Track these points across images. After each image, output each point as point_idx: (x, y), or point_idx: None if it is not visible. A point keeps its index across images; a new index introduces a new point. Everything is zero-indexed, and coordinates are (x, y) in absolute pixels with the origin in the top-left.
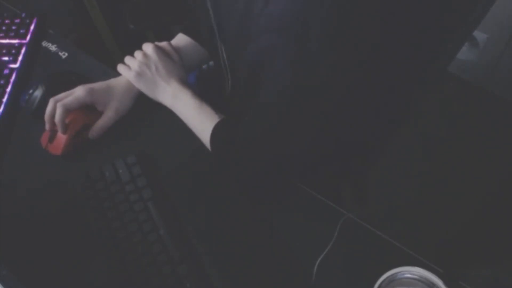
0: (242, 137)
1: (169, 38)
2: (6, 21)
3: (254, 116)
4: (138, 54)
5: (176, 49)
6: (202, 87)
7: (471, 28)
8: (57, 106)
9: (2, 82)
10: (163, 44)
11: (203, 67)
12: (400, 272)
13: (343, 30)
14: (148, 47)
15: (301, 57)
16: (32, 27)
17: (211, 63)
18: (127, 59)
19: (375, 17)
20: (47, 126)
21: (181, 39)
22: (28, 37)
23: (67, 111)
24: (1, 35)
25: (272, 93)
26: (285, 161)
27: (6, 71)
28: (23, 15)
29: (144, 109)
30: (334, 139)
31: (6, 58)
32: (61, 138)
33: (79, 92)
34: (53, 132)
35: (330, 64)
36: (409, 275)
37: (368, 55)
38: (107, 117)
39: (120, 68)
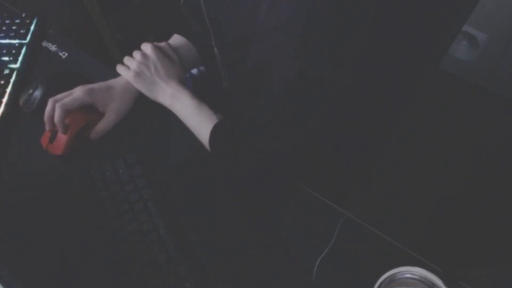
0: (241, 137)
1: (168, 38)
2: (6, 21)
3: (255, 115)
4: (137, 54)
5: (174, 49)
6: (200, 88)
7: (461, 23)
8: (56, 107)
9: (2, 82)
10: (162, 44)
11: (200, 68)
12: (400, 272)
13: (344, 29)
14: (147, 47)
15: (305, 54)
16: (32, 27)
17: None
18: (126, 59)
19: (373, 17)
20: (47, 127)
21: (177, 39)
22: (28, 37)
23: (66, 111)
24: (1, 35)
25: (276, 89)
26: (285, 161)
27: (6, 71)
28: (23, 15)
29: (144, 109)
30: (335, 137)
31: (6, 58)
32: (62, 138)
33: (78, 92)
34: (54, 132)
35: (333, 60)
36: (409, 275)
37: (367, 51)
38: (108, 119)
39: (119, 68)
